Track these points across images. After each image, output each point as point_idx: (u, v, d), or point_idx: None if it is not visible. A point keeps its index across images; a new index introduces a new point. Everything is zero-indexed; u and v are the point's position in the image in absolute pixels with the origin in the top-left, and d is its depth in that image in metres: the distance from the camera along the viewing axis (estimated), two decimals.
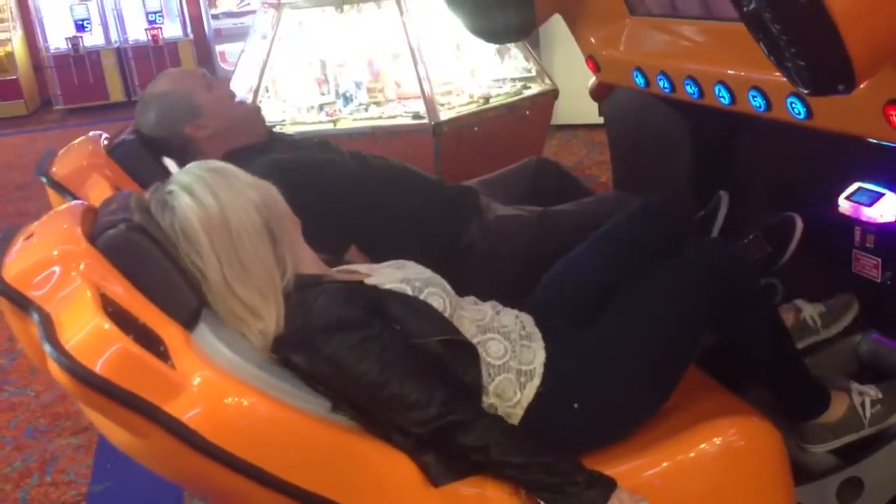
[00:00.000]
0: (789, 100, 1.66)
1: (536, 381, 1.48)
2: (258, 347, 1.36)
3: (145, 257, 1.33)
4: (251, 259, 1.37)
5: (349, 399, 1.38)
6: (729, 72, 1.83)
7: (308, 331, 1.35)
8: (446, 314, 1.46)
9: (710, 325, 1.62)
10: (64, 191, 1.91)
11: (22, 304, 1.25)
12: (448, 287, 1.52)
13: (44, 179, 1.97)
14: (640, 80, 2.20)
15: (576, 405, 1.48)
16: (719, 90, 1.86)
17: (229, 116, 2.08)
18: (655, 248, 1.67)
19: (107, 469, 2.50)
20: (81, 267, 1.27)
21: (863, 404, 1.71)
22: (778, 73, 1.36)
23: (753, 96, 1.75)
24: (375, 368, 1.33)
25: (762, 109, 1.75)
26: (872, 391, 1.73)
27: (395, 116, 3.79)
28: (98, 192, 1.77)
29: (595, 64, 2.40)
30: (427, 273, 1.53)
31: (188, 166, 1.43)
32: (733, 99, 1.84)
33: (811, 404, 1.71)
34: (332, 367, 1.35)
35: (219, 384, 1.26)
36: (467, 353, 1.45)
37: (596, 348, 1.56)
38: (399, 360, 1.35)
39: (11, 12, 8.53)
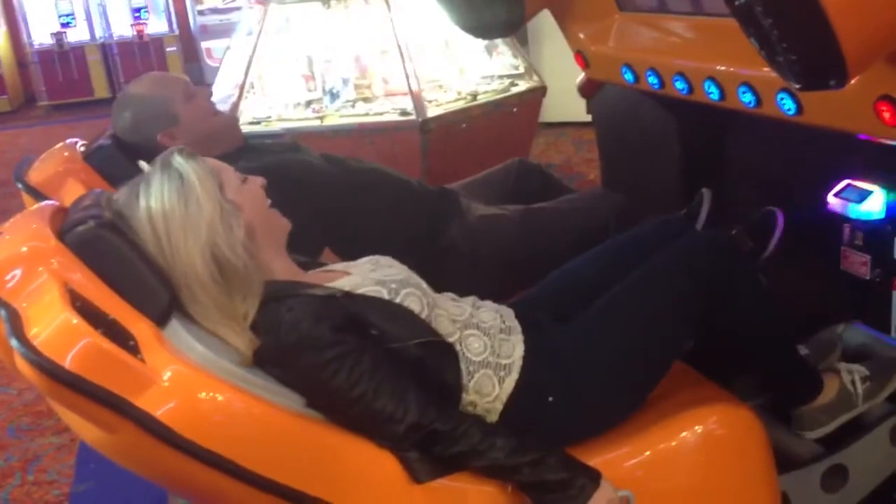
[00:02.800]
0: (779, 95, 1.65)
1: (515, 375, 1.47)
2: (241, 354, 1.33)
3: (114, 253, 1.31)
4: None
5: (327, 410, 1.36)
6: (719, 68, 1.82)
7: (278, 347, 1.33)
8: (423, 314, 1.44)
9: (701, 316, 1.59)
10: (40, 196, 1.89)
11: None
12: (424, 285, 1.51)
13: (20, 185, 1.96)
14: (629, 77, 2.19)
15: (550, 398, 1.47)
16: (709, 86, 1.85)
17: (204, 130, 2.06)
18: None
19: (89, 469, 2.47)
20: (50, 263, 1.25)
21: (853, 382, 1.71)
22: (768, 69, 1.35)
23: (743, 92, 1.74)
24: (346, 385, 1.31)
25: (752, 105, 1.74)
26: (860, 368, 1.73)
27: (382, 113, 3.77)
28: (74, 196, 1.75)
29: (584, 60, 2.39)
30: (402, 273, 1.52)
31: (156, 167, 1.41)
32: (723, 95, 1.83)
33: (806, 388, 1.70)
34: (304, 382, 1.34)
35: (191, 379, 1.24)
36: (446, 354, 1.43)
37: (577, 342, 1.55)
38: (371, 373, 1.32)
39: None
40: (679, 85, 1.97)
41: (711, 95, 1.86)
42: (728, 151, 2.38)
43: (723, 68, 1.81)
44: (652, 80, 2.08)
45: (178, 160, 1.40)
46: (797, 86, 1.31)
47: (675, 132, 2.43)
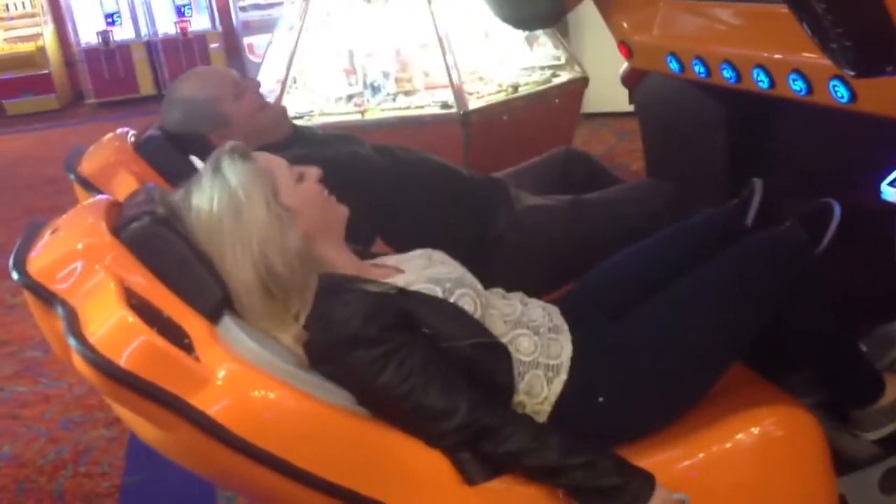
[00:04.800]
0: (832, 83, 1.61)
1: (563, 376, 1.44)
2: (293, 353, 1.33)
3: (169, 250, 1.32)
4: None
5: (377, 409, 1.35)
6: (768, 55, 1.78)
7: (328, 343, 1.33)
8: (477, 315, 1.41)
9: (769, 317, 1.55)
10: (91, 187, 1.91)
11: (46, 298, 1.25)
12: (479, 286, 1.49)
13: (72, 176, 1.98)
14: (674, 66, 2.15)
15: (601, 399, 1.44)
16: (758, 74, 1.81)
17: (254, 127, 2.06)
18: (713, 252, 1.62)
19: (140, 461, 2.51)
20: (106, 260, 1.26)
21: None
22: (820, 56, 1.32)
23: (794, 80, 1.70)
24: (396, 381, 1.30)
25: (803, 93, 1.70)
26: None
27: (423, 106, 3.76)
28: (125, 188, 1.77)
29: (628, 50, 2.36)
30: (457, 272, 1.50)
31: (212, 167, 1.40)
32: (772, 83, 1.79)
33: (868, 390, 1.66)
34: (354, 379, 1.33)
35: (245, 377, 1.25)
36: (498, 355, 1.41)
37: (632, 340, 1.51)
38: (422, 369, 1.31)
39: (42, 7, 8.63)
40: (726, 73, 1.93)
41: (761, 83, 1.82)
42: (776, 140, 2.33)
43: (772, 55, 1.77)
44: (698, 68, 2.04)
45: (228, 165, 1.37)
46: (851, 73, 1.27)
47: (722, 122, 2.38)
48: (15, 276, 1.27)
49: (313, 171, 1.47)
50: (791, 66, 1.71)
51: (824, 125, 2.01)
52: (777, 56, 1.76)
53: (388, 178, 2.06)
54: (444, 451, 1.35)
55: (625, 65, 2.57)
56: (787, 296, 1.55)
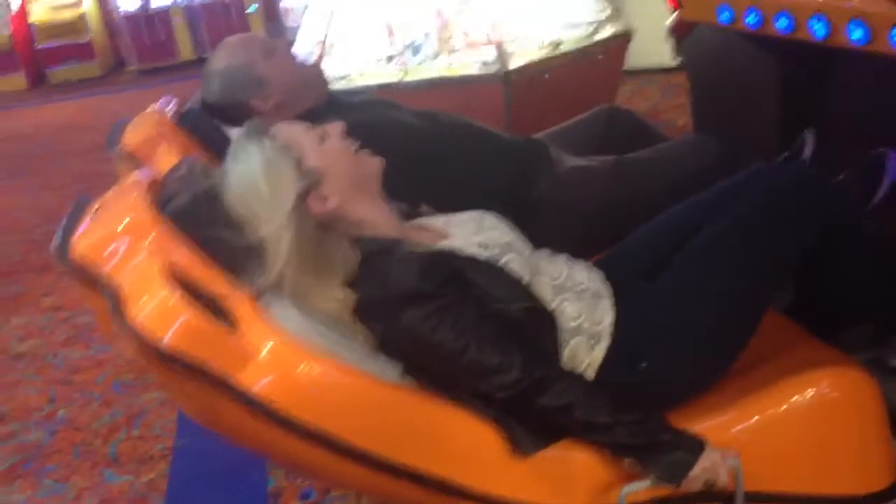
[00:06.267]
0: (893, 30, 1.54)
1: (606, 342, 1.44)
2: (344, 316, 1.33)
3: (211, 225, 1.32)
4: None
5: (430, 370, 1.35)
6: (826, 1, 1.71)
7: (383, 301, 1.32)
8: (525, 280, 1.41)
9: (795, 263, 1.51)
10: (133, 161, 1.92)
11: (91, 281, 1.26)
12: (528, 251, 1.48)
13: (114, 150, 1.99)
14: (725, 16, 2.08)
15: (644, 364, 1.43)
16: (814, 23, 1.74)
17: (293, 82, 2.06)
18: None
19: (191, 423, 2.52)
20: (149, 237, 1.27)
21: None
22: (882, 1, 1.26)
23: (853, 29, 1.63)
24: (451, 336, 1.30)
25: (862, 42, 1.63)
26: None
27: (464, 65, 3.71)
28: (167, 161, 1.78)
29: (677, 0, 2.29)
30: (507, 236, 1.49)
31: (241, 139, 1.41)
32: (830, 32, 1.72)
33: None
34: (409, 337, 1.32)
35: (289, 352, 1.25)
36: (545, 320, 1.40)
37: (665, 298, 1.50)
38: (475, 326, 1.31)
39: None
40: (781, 23, 1.86)
41: (817, 33, 1.75)
42: (829, 92, 2.25)
43: (831, 2, 1.69)
44: (751, 18, 1.97)
45: (252, 140, 1.38)
46: None
47: (774, 73, 2.31)
48: (59, 261, 1.28)
49: (336, 128, 1.47)
50: (850, 13, 1.64)
51: (880, 75, 1.93)
52: (836, 3, 1.68)
53: (428, 142, 2.04)
54: (495, 421, 1.35)
55: (672, 16, 2.50)
56: (815, 232, 1.50)
